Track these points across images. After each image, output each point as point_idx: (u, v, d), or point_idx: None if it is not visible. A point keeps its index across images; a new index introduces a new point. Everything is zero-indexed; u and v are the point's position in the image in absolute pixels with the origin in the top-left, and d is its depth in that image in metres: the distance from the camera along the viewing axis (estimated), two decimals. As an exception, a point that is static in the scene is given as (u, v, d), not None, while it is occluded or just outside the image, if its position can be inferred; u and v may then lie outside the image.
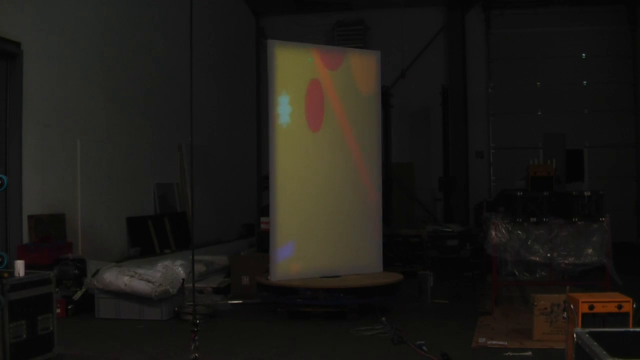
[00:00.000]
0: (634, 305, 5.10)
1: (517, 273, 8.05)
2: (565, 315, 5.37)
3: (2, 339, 5.19)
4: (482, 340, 6.49)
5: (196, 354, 5.31)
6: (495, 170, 16.44)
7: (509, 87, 16.35)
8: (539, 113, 16.24)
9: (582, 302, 5.11)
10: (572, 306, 5.22)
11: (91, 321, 7.70)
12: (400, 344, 6.43)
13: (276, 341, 6.75)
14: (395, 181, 15.05)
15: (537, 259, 7.89)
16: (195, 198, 12.76)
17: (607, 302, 5.13)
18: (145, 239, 11.37)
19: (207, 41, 13.70)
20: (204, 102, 13.43)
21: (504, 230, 7.93)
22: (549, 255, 7.87)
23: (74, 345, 6.43)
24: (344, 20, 16.68)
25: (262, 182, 16.15)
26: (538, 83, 16.21)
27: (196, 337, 5.33)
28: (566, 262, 7.84)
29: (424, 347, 6.15)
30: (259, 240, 11.63)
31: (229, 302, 8.58)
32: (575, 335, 3.47)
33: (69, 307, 7.94)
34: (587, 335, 3.31)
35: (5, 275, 5.35)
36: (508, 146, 16.21)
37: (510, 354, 6.09)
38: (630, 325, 5.03)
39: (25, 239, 8.67)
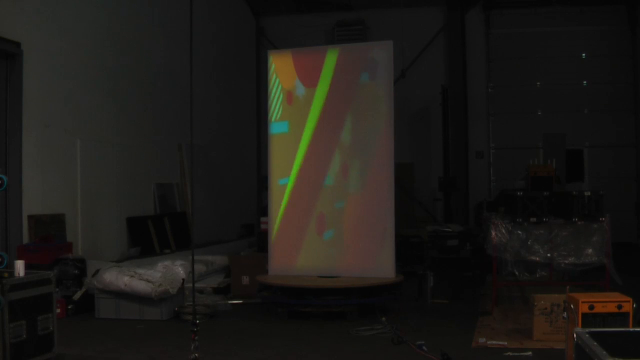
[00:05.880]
0: (634, 305, 5.10)
1: (517, 273, 8.03)
2: (565, 315, 5.37)
3: (2, 339, 5.18)
4: (482, 340, 6.49)
5: (196, 354, 5.30)
6: (495, 170, 16.44)
7: (509, 87, 16.36)
8: (539, 113, 16.24)
9: (582, 302, 5.11)
10: (572, 306, 5.22)
11: (91, 321, 7.70)
12: (400, 344, 6.43)
13: (276, 341, 6.74)
14: (395, 181, 15.04)
15: (537, 259, 7.87)
16: (195, 198, 12.77)
17: (607, 302, 5.12)
18: (145, 239, 11.37)
19: (207, 41, 13.70)
20: (204, 102, 13.44)
21: (504, 230, 7.92)
22: (549, 255, 7.85)
23: (74, 345, 6.43)
24: (344, 20, 16.68)
25: (262, 182, 16.15)
26: (538, 83, 16.22)
27: (196, 337, 5.33)
28: (566, 262, 7.81)
29: (424, 347, 6.14)
30: (259, 240, 11.63)
31: (229, 302, 8.58)
32: (575, 335, 3.47)
33: (69, 307, 7.94)
34: (587, 335, 3.31)
35: (5, 275, 5.36)
36: (508, 146, 16.22)
37: (510, 354, 6.08)
38: (630, 325, 5.03)
39: (25, 239, 8.67)
